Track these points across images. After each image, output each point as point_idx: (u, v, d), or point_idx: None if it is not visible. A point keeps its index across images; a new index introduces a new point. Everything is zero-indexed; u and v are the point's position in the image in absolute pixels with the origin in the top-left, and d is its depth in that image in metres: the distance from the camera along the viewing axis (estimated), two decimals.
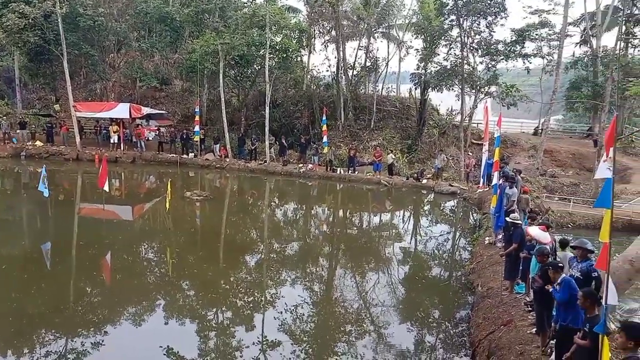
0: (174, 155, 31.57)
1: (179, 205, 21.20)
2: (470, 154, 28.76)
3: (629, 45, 37.34)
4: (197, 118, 31.29)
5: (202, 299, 12.10)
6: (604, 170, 5.33)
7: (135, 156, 31.21)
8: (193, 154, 31.62)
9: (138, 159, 31.17)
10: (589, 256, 7.79)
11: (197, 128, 31.36)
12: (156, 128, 33.97)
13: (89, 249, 15.29)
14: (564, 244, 9.24)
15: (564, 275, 7.27)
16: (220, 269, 14.55)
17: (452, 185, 26.26)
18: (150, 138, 33.13)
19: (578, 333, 6.13)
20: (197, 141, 31.62)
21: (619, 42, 36.36)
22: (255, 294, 12.75)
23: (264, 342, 9.97)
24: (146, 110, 33.08)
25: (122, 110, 30.67)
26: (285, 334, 10.34)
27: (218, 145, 31.78)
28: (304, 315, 11.43)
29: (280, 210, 23.81)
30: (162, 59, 38.19)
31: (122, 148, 31.51)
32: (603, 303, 5.18)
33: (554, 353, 7.39)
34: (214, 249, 16.54)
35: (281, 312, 11.33)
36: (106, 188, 18.75)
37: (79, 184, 26.93)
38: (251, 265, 15.14)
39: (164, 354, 9.14)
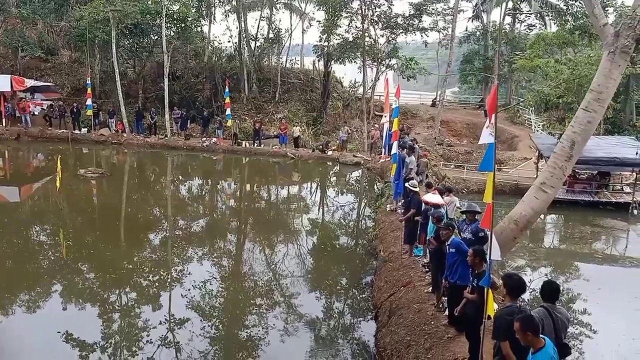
0: (64, 131, 29.32)
1: (73, 184, 19.86)
2: (376, 125, 29.51)
3: (516, 20, 39.96)
4: (89, 91, 29.21)
5: (103, 281, 11.49)
6: (486, 136, 5.63)
7: (19, 132, 28.71)
8: (86, 129, 29.62)
9: (23, 136, 28.70)
10: (477, 218, 8.36)
11: (89, 102, 29.28)
12: (42, 102, 31.36)
13: None
14: (449, 189, 11.35)
15: (454, 236, 7.80)
16: (121, 249, 13.88)
17: (356, 156, 26.87)
18: (36, 113, 30.53)
19: (467, 288, 6.58)
20: (89, 116, 29.60)
21: (505, 17, 38.79)
22: (161, 272, 12.35)
23: (172, 321, 9.71)
24: (30, 82, 30.34)
25: (1, 83, 27.99)
26: (194, 310, 10.12)
27: (114, 120, 30.01)
28: (212, 291, 11.26)
29: (185, 186, 23.11)
30: (46, 26, 35.06)
31: (4, 124, 28.83)
32: (487, 258, 5.54)
33: (447, 309, 7.92)
34: (113, 229, 15.71)
35: (189, 290, 11.07)
36: None
37: None
38: (155, 243, 14.60)
39: (63, 341, 8.61)
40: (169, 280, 11.92)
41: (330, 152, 27.81)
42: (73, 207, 17.64)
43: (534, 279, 12.70)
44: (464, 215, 9.41)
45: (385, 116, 20.26)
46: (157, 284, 11.55)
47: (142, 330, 9.32)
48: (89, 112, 29.39)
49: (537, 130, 30.46)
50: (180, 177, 24.86)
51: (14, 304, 10.13)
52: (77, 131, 29.35)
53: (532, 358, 4.20)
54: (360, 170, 25.69)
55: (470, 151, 29.11)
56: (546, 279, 5.38)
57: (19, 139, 28.44)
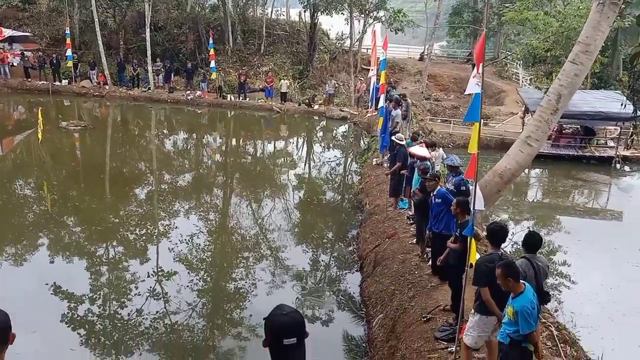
0: (44, 82, 28.52)
1: (55, 136, 19.52)
2: (362, 79, 29.16)
3: None
4: (68, 41, 28.26)
5: (89, 234, 11.48)
6: (473, 86, 5.56)
7: None
8: (66, 81, 28.89)
9: (2, 87, 27.92)
10: (460, 170, 8.43)
11: (69, 52, 28.33)
12: (20, 52, 30.41)
13: None
14: (433, 144, 11.44)
15: (439, 187, 7.88)
16: (107, 203, 13.81)
17: (342, 111, 26.67)
18: (14, 64, 29.56)
19: (451, 238, 6.71)
20: (70, 67, 28.80)
21: None
22: (148, 226, 12.36)
23: (160, 274, 9.78)
24: (8, 32, 29.36)
25: None
26: (181, 264, 10.19)
27: (95, 72, 29.20)
28: (200, 244, 11.31)
29: (169, 140, 22.85)
30: None
31: None
32: (471, 208, 5.61)
33: (430, 259, 8.10)
34: (98, 183, 15.58)
35: (176, 244, 11.10)
36: None
37: None
38: (141, 197, 14.55)
39: (52, 293, 8.65)
40: (155, 234, 11.95)
41: (316, 106, 27.54)
42: (56, 160, 17.42)
43: (517, 232, 12.94)
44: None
45: (372, 69, 19.99)
46: (144, 238, 11.58)
47: (130, 282, 9.39)
48: (69, 64, 28.53)
49: (525, 85, 30.37)
50: (165, 131, 24.55)
51: (0, 256, 10.10)
52: (57, 83, 28.60)
53: (512, 302, 4.32)
54: (346, 125, 25.56)
55: (457, 106, 29.03)
56: (528, 231, 5.47)
57: None
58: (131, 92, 28.44)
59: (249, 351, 7.38)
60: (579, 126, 21.93)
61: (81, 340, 7.46)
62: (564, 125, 21.65)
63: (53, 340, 7.25)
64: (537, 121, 8.92)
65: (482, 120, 5.76)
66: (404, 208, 11.46)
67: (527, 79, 31.97)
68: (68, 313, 8.13)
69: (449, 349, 5.92)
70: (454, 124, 23.53)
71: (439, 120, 25.16)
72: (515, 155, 8.90)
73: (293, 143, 23.84)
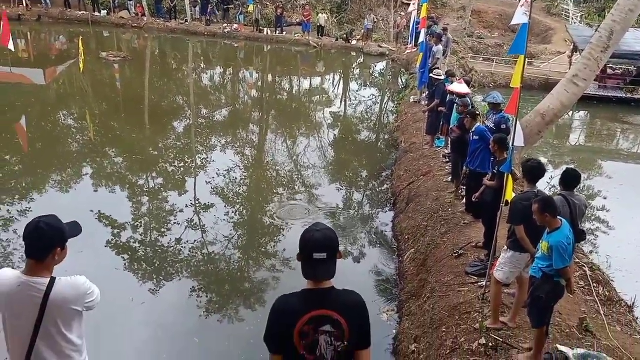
0: (84, 12, 28.64)
1: (96, 67, 19.79)
2: (402, 14, 28.16)
3: None
4: None
5: (130, 165, 11.81)
6: (520, 16, 5.28)
7: (40, 14, 28.18)
8: (105, 11, 28.91)
9: (44, 17, 28.20)
10: (501, 108, 8.22)
11: None
12: None
13: (0, 115, 14.24)
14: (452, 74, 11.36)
15: (478, 124, 7.72)
16: (147, 135, 14.12)
17: (381, 47, 25.99)
18: None
19: (487, 175, 6.64)
20: None
21: None
22: (186, 159, 12.61)
23: (197, 205, 10.06)
24: None
25: None
26: (218, 197, 10.44)
27: (133, 2, 29.11)
28: (236, 179, 11.52)
29: (206, 74, 22.87)
30: None
31: (25, 4, 28.23)
32: (510, 144, 5.50)
33: (465, 197, 8.09)
34: (138, 114, 15.86)
35: (213, 177, 11.34)
36: (11, 47, 16.99)
37: None
38: (179, 130, 14.78)
39: (96, 219, 9.04)
40: (193, 167, 12.20)
41: (354, 42, 26.92)
42: (97, 90, 17.73)
43: (555, 176, 12.70)
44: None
45: (413, 4, 19.25)
46: (182, 170, 11.85)
47: (169, 213, 9.68)
48: None
49: (575, 22, 28.81)
50: (202, 65, 24.54)
51: (47, 184, 10.54)
52: (96, 13, 28.70)
53: (547, 237, 4.29)
54: (385, 62, 24.98)
55: (501, 44, 27.92)
56: (566, 168, 5.32)
57: (39, 20, 28.02)
58: (168, 24, 28.35)
59: (282, 282, 7.61)
60: (630, 67, 20.86)
61: (125, 265, 7.84)
62: (612, 66, 20.62)
63: (98, 262, 7.63)
64: (586, 59, 8.54)
65: (526, 58, 5.51)
66: (440, 146, 11.33)
67: (577, 16, 30.27)
68: (112, 239, 8.50)
69: (479, 284, 6.00)
70: (496, 62, 22.71)
71: (480, 59, 24.29)
72: (559, 95, 8.62)
73: (329, 80, 23.53)
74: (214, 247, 8.53)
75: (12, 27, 17.52)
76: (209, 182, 11.10)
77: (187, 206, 9.95)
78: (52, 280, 2.83)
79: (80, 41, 17.08)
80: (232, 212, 9.95)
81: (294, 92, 21.05)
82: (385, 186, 11.51)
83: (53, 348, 2.86)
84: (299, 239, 2.64)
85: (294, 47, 26.84)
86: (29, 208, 9.28)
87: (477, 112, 8.01)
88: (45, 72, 19.89)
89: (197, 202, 10.21)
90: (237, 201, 10.54)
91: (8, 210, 9.17)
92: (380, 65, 25.03)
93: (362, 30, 27.89)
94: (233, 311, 6.91)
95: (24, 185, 10.31)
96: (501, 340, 4.94)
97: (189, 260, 8.09)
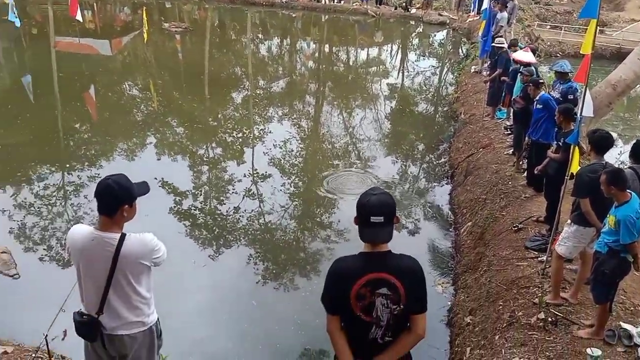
0: None
1: (158, 38, 20.31)
2: None
3: None
4: None
5: (191, 135, 12.15)
6: None
7: None
8: None
9: None
10: (569, 77, 7.85)
11: None
12: None
13: (70, 84, 14.91)
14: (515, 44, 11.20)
15: (542, 92, 7.42)
16: (207, 106, 14.44)
17: (441, 15, 25.26)
18: None
19: (551, 147, 6.37)
20: None
21: None
22: (244, 129, 12.83)
23: (255, 175, 10.26)
24: None
25: None
26: (275, 167, 10.59)
27: None
28: (292, 150, 11.63)
29: (264, 45, 22.99)
30: None
31: None
32: (578, 114, 5.26)
33: (526, 170, 7.84)
34: (199, 85, 16.23)
35: (270, 148, 11.49)
36: (79, 18, 17.63)
37: (50, 16, 25.34)
38: (238, 101, 15.03)
39: (159, 186, 9.39)
40: (251, 137, 12.41)
41: (414, 11, 26.27)
42: (160, 61, 18.24)
43: (625, 151, 12.08)
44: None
45: None
46: (240, 141, 12.09)
47: (228, 182, 9.93)
48: None
49: None
50: (260, 35, 24.67)
51: (114, 151, 11.00)
52: None
53: (615, 211, 4.13)
54: (445, 31, 24.27)
55: (570, 11, 26.48)
56: (636, 140, 5.03)
57: None
58: None
59: (336, 253, 7.68)
60: None
61: (186, 230, 8.15)
62: None
63: (162, 226, 7.94)
64: None
65: (598, 25, 5.20)
66: (501, 118, 10.99)
67: None
68: (174, 206, 8.82)
69: (539, 259, 5.86)
70: (565, 30, 21.60)
71: (548, 27, 23.16)
72: (633, 64, 8.15)
73: (387, 50, 23.14)
74: (270, 217, 8.70)
75: None
76: (267, 152, 11.27)
77: (245, 176, 10.17)
78: (123, 235, 3.01)
79: (144, 12, 17.56)
80: (288, 182, 10.08)
81: (350, 62, 20.87)
82: (443, 159, 11.32)
83: (123, 299, 3.06)
84: (356, 202, 2.67)
85: (351, 17, 26.51)
86: (98, 174, 9.72)
87: (541, 80, 7.68)
88: (112, 43, 20.58)
89: (254, 172, 10.41)
90: (293, 172, 10.66)
91: (79, 176, 9.68)
92: (440, 35, 24.36)
93: None
94: (289, 279, 7.07)
95: (92, 152, 10.82)
96: (561, 315, 4.84)
97: (247, 229, 8.30)
